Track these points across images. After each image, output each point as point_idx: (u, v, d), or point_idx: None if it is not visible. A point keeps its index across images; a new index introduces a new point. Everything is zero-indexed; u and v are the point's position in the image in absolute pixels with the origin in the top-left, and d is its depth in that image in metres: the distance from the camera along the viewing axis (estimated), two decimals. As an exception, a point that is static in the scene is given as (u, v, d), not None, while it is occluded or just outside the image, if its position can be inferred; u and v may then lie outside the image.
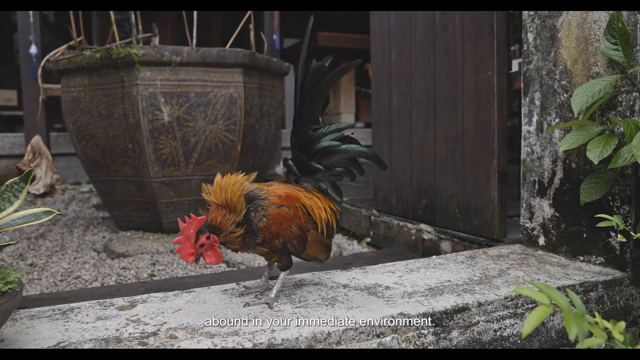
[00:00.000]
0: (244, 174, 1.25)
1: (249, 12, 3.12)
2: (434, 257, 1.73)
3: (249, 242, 1.22)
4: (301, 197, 1.28)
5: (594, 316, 0.82)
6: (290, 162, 1.33)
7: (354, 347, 1.12)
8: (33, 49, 4.81)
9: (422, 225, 2.40)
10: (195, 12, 2.94)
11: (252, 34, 3.37)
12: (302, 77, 1.25)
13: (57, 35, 7.36)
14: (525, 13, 1.82)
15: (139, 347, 1.02)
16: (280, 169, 1.35)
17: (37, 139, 2.98)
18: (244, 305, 1.24)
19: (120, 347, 1.02)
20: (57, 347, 1.01)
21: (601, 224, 1.24)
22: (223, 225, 1.18)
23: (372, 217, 2.83)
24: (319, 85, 1.25)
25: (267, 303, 1.24)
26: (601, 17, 1.53)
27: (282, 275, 1.29)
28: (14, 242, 1.05)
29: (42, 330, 1.11)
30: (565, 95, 1.66)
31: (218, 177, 1.22)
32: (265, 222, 1.21)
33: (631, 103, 1.48)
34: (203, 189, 1.21)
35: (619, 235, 1.34)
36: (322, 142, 1.29)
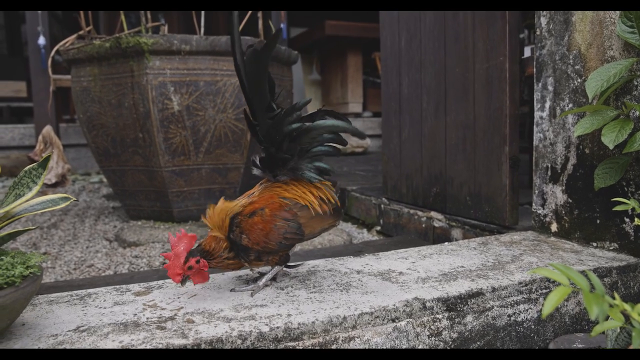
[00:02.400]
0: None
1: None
2: (446, 243, 1.73)
3: (243, 261, 1.23)
4: (278, 194, 1.23)
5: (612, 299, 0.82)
6: (256, 161, 1.27)
7: (370, 332, 1.12)
8: (42, 40, 4.82)
9: (433, 213, 2.40)
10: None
11: (260, 22, 3.36)
12: (243, 69, 1.18)
13: (64, 26, 7.37)
14: (538, -3, 1.80)
15: (158, 331, 1.03)
16: (256, 171, 1.29)
17: (48, 129, 3.00)
18: (230, 290, 1.26)
19: (139, 330, 1.03)
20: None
21: (617, 208, 1.23)
22: (216, 252, 1.19)
23: (382, 206, 2.83)
24: (255, 64, 1.16)
25: (253, 290, 1.24)
26: (617, 0, 1.51)
27: (277, 267, 1.29)
28: (33, 228, 1.06)
29: (61, 314, 1.12)
30: (579, 80, 1.65)
31: (211, 206, 1.23)
32: (247, 237, 1.18)
33: (647, 87, 1.46)
34: (205, 215, 1.23)
35: (636, 219, 1.33)
36: (282, 127, 1.20)
